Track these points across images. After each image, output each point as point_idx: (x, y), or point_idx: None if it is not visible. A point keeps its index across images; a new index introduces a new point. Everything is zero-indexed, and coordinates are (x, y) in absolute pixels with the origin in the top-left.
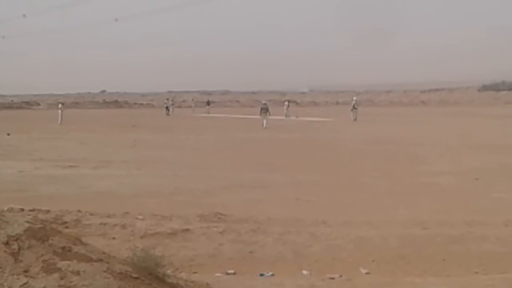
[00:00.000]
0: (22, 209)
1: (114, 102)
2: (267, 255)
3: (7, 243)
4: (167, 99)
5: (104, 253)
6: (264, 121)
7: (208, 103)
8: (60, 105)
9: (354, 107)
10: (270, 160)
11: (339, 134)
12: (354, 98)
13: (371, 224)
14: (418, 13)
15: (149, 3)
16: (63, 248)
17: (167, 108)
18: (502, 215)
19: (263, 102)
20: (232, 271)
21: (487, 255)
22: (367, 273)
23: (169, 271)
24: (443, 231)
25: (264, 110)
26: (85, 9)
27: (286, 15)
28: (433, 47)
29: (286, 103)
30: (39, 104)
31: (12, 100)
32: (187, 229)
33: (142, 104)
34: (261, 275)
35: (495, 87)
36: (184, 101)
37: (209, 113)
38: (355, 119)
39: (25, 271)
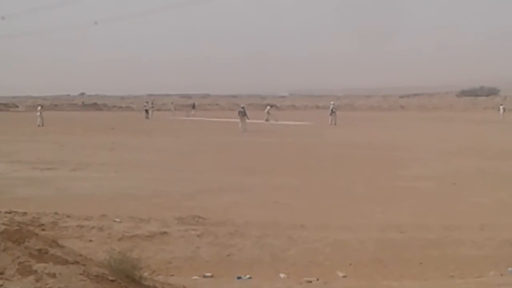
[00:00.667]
0: None
1: (93, 105)
2: (244, 258)
3: None
4: (147, 102)
5: (80, 255)
6: (241, 125)
7: (194, 106)
8: (39, 108)
9: (332, 111)
10: (249, 163)
11: (318, 138)
12: (332, 103)
13: (349, 227)
14: (399, 19)
15: (127, 6)
16: (39, 250)
17: (146, 111)
18: (479, 219)
19: (241, 106)
20: (209, 274)
21: (463, 259)
22: (344, 277)
23: (146, 274)
24: (420, 235)
25: (242, 114)
26: (64, 11)
27: (265, 20)
28: (412, 53)
29: (268, 107)
30: (17, 106)
31: None
32: (165, 232)
33: (121, 107)
34: (239, 278)
35: (474, 93)
36: (163, 104)
37: (188, 116)
38: (335, 124)
39: (1, 273)
